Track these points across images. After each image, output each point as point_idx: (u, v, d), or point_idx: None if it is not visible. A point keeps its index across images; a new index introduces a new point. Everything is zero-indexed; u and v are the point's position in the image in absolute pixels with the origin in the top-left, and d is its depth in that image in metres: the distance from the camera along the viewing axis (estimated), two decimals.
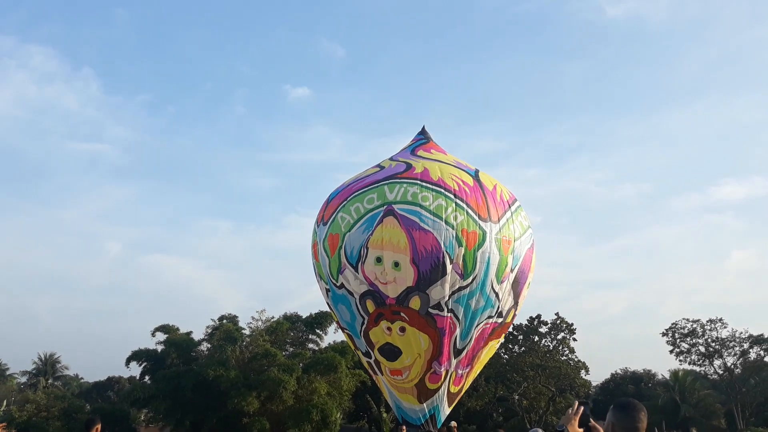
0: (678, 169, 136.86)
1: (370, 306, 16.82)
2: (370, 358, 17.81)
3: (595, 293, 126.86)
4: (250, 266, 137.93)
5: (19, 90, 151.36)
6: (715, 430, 51.74)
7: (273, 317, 42.39)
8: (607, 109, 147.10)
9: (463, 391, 18.69)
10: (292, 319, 42.87)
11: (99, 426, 9.61)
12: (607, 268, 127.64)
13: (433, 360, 16.80)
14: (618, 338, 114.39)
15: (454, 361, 17.04)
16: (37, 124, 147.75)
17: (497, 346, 19.13)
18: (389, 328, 16.74)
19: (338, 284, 17.29)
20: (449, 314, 16.40)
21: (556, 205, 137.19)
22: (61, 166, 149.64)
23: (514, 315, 18.28)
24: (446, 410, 18.06)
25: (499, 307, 17.07)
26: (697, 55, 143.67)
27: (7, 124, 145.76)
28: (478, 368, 18.56)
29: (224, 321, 41.77)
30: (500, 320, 17.50)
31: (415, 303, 16.24)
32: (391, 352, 17.06)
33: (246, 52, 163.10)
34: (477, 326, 16.92)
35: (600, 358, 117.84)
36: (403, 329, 16.59)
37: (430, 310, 16.24)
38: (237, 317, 42.51)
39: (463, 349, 17.02)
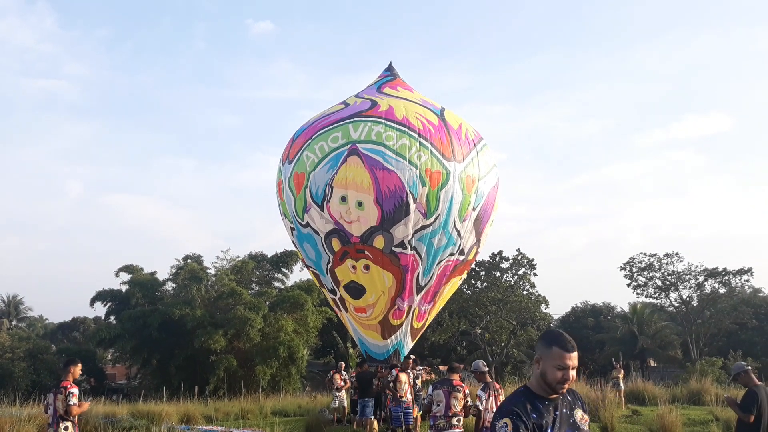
0: (642, 106, 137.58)
1: (336, 244, 17.00)
2: (336, 295, 18.06)
3: (558, 229, 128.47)
4: (214, 205, 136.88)
5: None
6: (671, 360, 53.50)
7: (238, 257, 42.56)
8: (574, 45, 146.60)
9: (426, 325, 19.09)
10: (257, 258, 43.06)
11: (78, 366, 9.68)
12: (570, 204, 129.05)
13: (397, 297, 17.11)
14: (580, 273, 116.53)
15: (417, 298, 17.37)
16: None
17: (459, 282, 19.48)
18: (354, 267, 16.97)
19: (303, 223, 17.41)
20: (412, 252, 16.66)
21: (521, 142, 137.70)
22: (17, 104, 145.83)
23: (477, 252, 18.58)
24: (409, 345, 18.49)
25: (460, 244, 17.35)
26: None
27: None
28: (440, 304, 18.94)
29: (189, 261, 41.79)
30: (462, 257, 17.81)
31: (378, 242, 16.46)
32: (355, 290, 17.33)
33: None
34: (439, 263, 17.22)
35: (563, 292, 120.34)
36: (367, 267, 16.83)
37: (393, 248, 16.49)
38: (201, 257, 42.59)
39: (426, 285, 17.34)
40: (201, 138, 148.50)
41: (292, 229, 18.16)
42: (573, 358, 3.65)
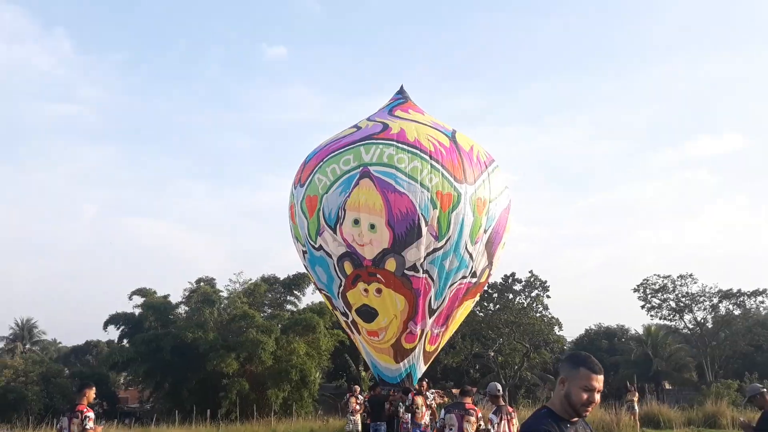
0: (655, 126, 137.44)
1: (348, 268, 17.02)
2: (348, 318, 18.06)
3: (571, 250, 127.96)
4: (227, 228, 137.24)
5: None
6: (687, 382, 52.95)
7: (250, 279, 42.59)
8: (586, 66, 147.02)
9: (439, 349, 19.05)
10: (269, 281, 43.06)
11: (93, 390, 9.75)
12: (583, 225, 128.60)
13: (409, 320, 17.09)
14: (594, 294, 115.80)
15: (429, 321, 17.34)
16: (6, 84, 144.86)
17: (472, 305, 19.45)
18: (366, 290, 16.98)
19: (316, 246, 17.44)
20: (424, 275, 16.65)
21: (533, 163, 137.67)
22: (34, 129, 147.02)
23: (489, 275, 18.56)
24: (422, 368, 18.42)
25: (473, 267, 17.34)
26: (676, 12, 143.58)
27: None
28: (453, 327, 18.90)
29: (201, 283, 41.85)
30: (474, 280, 17.79)
31: (390, 265, 16.48)
32: (368, 313, 17.33)
33: (221, 9, 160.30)
34: (451, 286, 17.20)
35: (577, 314, 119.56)
36: (379, 291, 16.84)
37: (405, 271, 16.50)
38: (214, 279, 42.62)
39: (438, 308, 17.32)
40: (215, 160, 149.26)
41: (305, 252, 18.19)
42: (599, 381, 3.62)
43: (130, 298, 41.12)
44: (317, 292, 23.69)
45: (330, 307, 20.54)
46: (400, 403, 16.08)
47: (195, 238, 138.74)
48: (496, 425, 9.86)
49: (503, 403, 10.38)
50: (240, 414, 31.73)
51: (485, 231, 17.26)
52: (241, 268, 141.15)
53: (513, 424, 9.97)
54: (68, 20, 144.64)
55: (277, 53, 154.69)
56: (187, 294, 41.75)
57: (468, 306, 18.96)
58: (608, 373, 54.45)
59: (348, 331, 19.51)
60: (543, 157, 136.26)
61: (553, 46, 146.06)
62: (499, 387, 10.61)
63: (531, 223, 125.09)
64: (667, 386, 55.03)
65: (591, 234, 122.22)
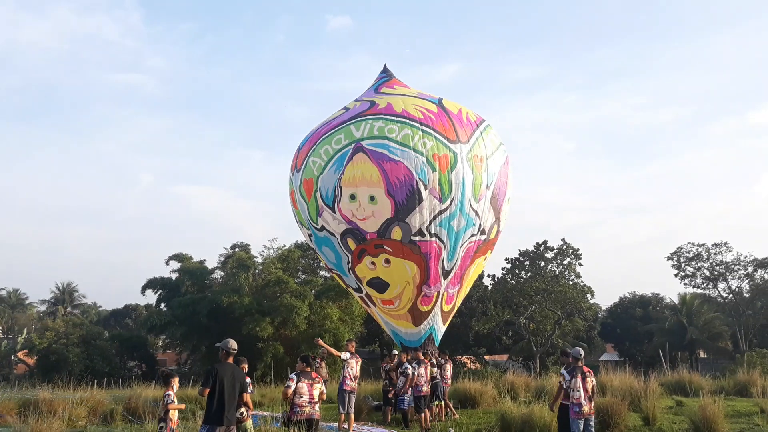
0: (718, 94, 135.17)
1: (352, 243, 17.29)
2: (361, 292, 18.37)
3: (621, 218, 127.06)
4: (276, 196, 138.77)
5: (60, 21, 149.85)
6: (721, 351, 52.63)
7: (284, 246, 43.09)
8: (650, 33, 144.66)
9: (456, 308, 19.25)
10: (303, 248, 43.54)
11: (177, 379, 10.94)
12: (637, 194, 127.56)
13: (423, 284, 17.33)
14: (636, 263, 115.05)
15: (443, 282, 17.57)
16: (76, 55, 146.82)
17: (484, 262, 19.59)
18: (373, 263, 17.26)
19: (319, 227, 17.76)
20: (433, 238, 16.86)
21: (592, 131, 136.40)
22: (98, 99, 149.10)
23: (498, 231, 18.70)
24: (442, 328, 18.72)
25: (480, 224, 17.55)
26: None
27: (46, 56, 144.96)
28: (467, 285, 19.13)
29: (236, 249, 42.45)
30: (484, 237, 18.00)
31: (396, 233, 16.69)
32: (379, 284, 17.63)
33: None
34: (462, 245, 17.42)
35: (616, 281, 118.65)
36: (387, 261, 17.08)
37: (412, 237, 16.69)
38: (249, 245, 43.26)
39: (451, 269, 17.55)
40: (272, 129, 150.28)
41: (310, 235, 18.57)
42: None
43: (167, 263, 41.98)
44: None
45: (343, 285, 20.82)
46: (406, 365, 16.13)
47: (245, 205, 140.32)
48: (568, 381, 11.10)
49: (579, 365, 11.30)
50: (275, 377, 32.30)
51: (487, 187, 17.42)
52: (285, 236, 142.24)
53: (588, 383, 11.13)
54: None
55: (341, 23, 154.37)
56: (222, 260, 42.44)
57: (480, 263, 19.13)
58: (642, 341, 54.20)
59: (364, 305, 19.80)
60: (602, 125, 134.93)
61: (617, 13, 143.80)
62: (582, 351, 11.64)
63: (582, 192, 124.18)
64: (702, 355, 54.78)
65: (643, 202, 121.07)
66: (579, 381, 11.06)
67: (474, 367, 41.22)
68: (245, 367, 11.17)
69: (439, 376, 17.02)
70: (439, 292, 17.69)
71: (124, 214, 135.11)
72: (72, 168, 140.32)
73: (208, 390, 8.73)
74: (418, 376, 15.29)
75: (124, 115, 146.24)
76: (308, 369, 10.98)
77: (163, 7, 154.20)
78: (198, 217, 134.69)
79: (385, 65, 20.77)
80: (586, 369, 11.43)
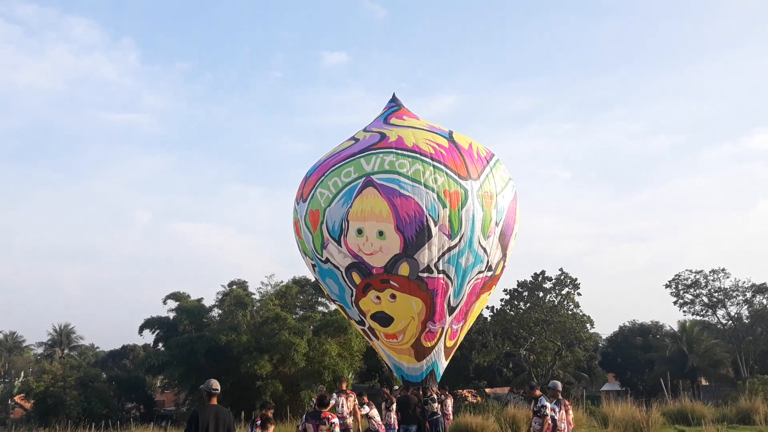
0: (711, 120, 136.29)
1: (356, 277, 17.22)
2: (364, 325, 18.29)
3: (619, 246, 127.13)
4: (275, 232, 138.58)
5: (58, 62, 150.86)
6: (723, 378, 52.26)
7: (282, 281, 42.96)
8: (642, 62, 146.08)
9: (458, 343, 19.17)
10: (300, 283, 43.37)
11: (270, 411, 11.72)
12: (633, 221, 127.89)
13: (428, 320, 17.26)
14: (635, 291, 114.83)
15: (449, 319, 17.53)
16: (73, 95, 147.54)
17: (488, 297, 19.59)
18: (378, 297, 17.18)
19: (323, 259, 17.70)
20: (441, 275, 16.80)
21: (587, 160, 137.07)
22: (95, 138, 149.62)
23: (503, 266, 18.71)
24: (444, 363, 18.62)
25: (488, 261, 17.55)
26: (733, 8, 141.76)
27: (42, 98, 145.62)
28: (471, 320, 19.13)
29: (234, 287, 42.30)
30: (490, 273, 18.02)
31: (404, 269, 16.62)
32: (383, 318, 17.55)
33: (287, 15, 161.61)
34: (469, 282, 17.39)
35: (614, 311, 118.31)
36: (393, 296, 17.01)
37: (420, 274, 16.63)
38: (246, 282, 43.09)
39: (457, 305, 17.50)
40: (269, 165, 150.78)
41: (313, 265, 18.50)
42: None
43: (164, 302, 41.77)
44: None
45: (346, 317, 20.76)
46: (432, 398, 16.18)
47: (244, 242, 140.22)
48: (557, 413, 11.08)
49: (561, 398, 11.44)
50: (274, 415, 31.97)
51: (497, 224, 17.46)
52: (283, 271, 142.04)
53: (569, 414, 11.41)
54: (136, 31, 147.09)
55: (337, 59, 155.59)
56: (220, 297, 42.25)
57: (485, 299, 19.12)
58: (643, 369, 53.81)
59: (366, 338, 19.74)
60: (597, 153, 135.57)
61: (609, 44, 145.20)
62: (560, 385, 11.78)
63: (579, 220, 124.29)
64: (704, 382, 54.40)
65: (640, 229, 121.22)
66: (563, 413, 11.27)
67: (475, 401, 40.90)
68: (270, 413, 11.63)
69: (440, 412, 16.90)
70: (443, 328, 17.62)
71: (121, 253, 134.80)
72: (69, 208, 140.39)
73: None
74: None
75: (122, 154, 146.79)
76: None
77: (160, 47, 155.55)
78: (196, 254, 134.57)
79: (393, 94, 20.72)
80: (566, 401, 11.69)
